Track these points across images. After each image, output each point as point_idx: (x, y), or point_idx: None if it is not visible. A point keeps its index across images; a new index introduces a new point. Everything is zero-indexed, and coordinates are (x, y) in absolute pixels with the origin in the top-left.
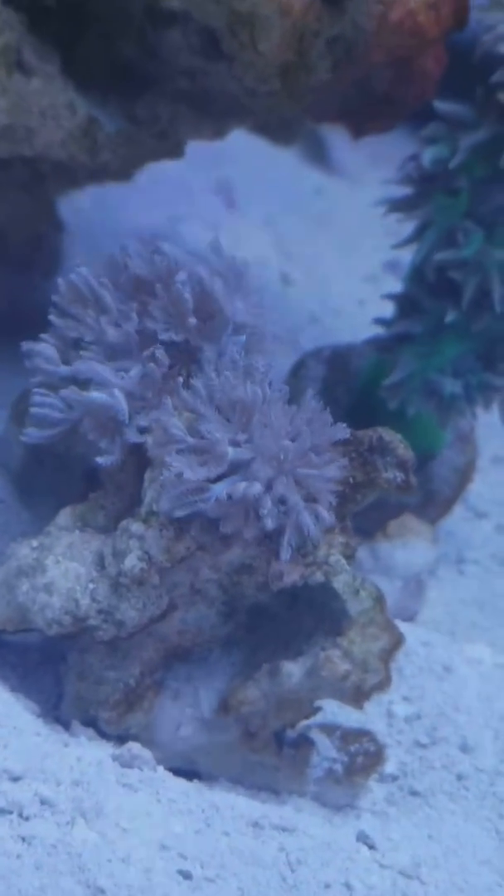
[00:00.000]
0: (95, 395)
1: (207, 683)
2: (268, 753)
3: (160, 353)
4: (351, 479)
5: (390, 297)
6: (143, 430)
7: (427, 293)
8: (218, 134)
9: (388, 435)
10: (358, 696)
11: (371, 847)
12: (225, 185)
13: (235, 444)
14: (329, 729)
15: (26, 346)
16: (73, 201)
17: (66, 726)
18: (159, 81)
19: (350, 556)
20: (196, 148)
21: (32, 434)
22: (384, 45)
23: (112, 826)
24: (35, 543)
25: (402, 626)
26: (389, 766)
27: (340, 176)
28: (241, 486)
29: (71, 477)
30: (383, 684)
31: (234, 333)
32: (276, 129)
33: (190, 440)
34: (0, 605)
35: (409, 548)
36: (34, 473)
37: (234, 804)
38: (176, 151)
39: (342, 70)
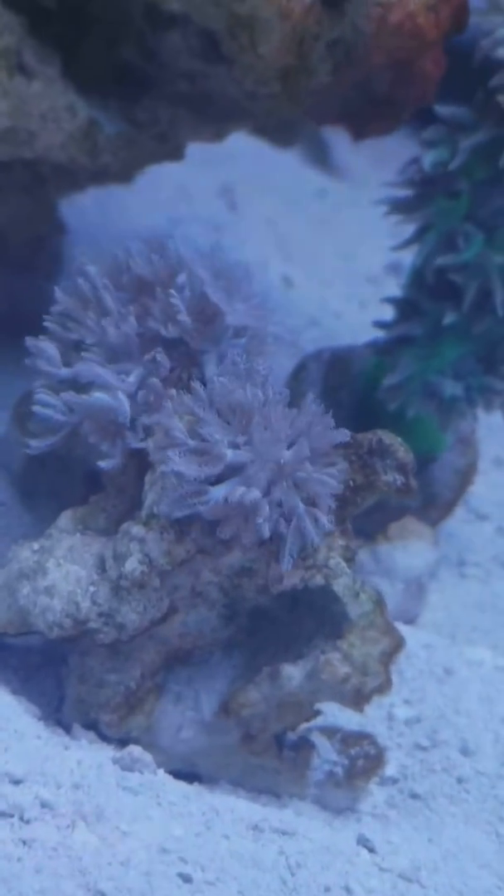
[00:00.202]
0: (97, 396)
1: (208, 686)
2: (268, 756)
3: (161, 356)
4: (351, 482)
5: (390, 300)
6: (144, 432)
7: (427, 295)
8: (218, 136)
9: (388, 438)
10: (358, 699)
11: (371, 850)
12: (226, 187)
13: (235, 446)
14: (330, 732)
15: (30, 341)
16: (74, 203)
17: (67, 729)
18: (159, 84)
19: (350, 559)
20: (197, 150)
21: (36, 445)
22: (384, 48)
23: (112, 829)
24: (36, 546)
25: (403, 629)
26: (390, 769)
27: (342, 178)
28: (239, 490)
29: (72, 479)
30: (383, 687)
31: (236, 336)
32: (277, 131)
33: (191, 442)
34: (1, 608)
35: (409, 550)
36: (35, 476)
37: (234, 807)
38: (176, 154)
39: (342, 72)
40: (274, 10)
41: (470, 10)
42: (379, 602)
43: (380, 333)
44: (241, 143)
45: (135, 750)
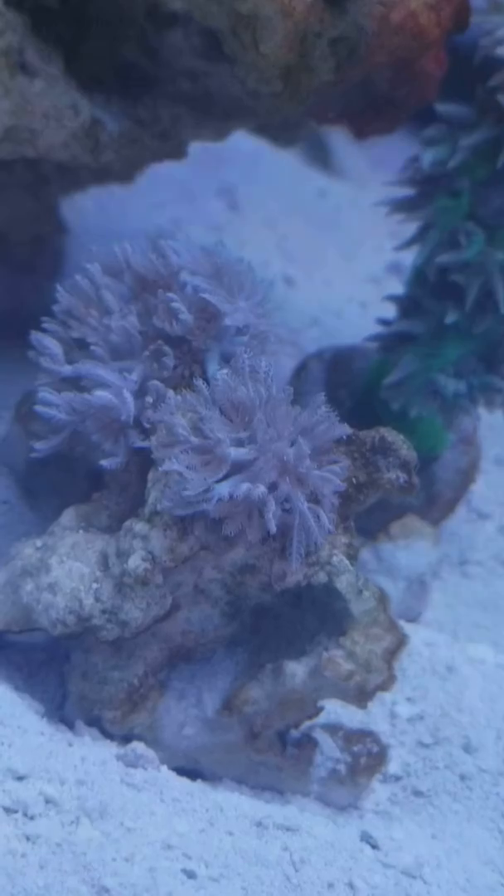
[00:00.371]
0: (98, 395)
1: (211, 683)
2: (271, 753)
3: (168, 358)
4: (354, 480)
5: (392, 297)
6: (146, 430)
7: (429, 294)
8: (220, 135)
9: (391, 435)
10: (361, 696)
11: (374, 847)
12: (227, 188)
13: (238, 444)
14: (332, 729)
15: (34, 336)
16: (75, 203)
17: (71, 726)
18: (161, 82)
19: (353, 557)
20: (199, 150)
21: (41, 448)
22: (385, 47)
23: (116, 825)
24: (39, 543)
25: (406, 627)
26: (393, 767)
27: (343, 178)
28: (244, 486)
29: (75, 477)
30: (386, 684)
31: (238, 334)
32: (279, 131)
33: (194, 440)
34: (5, 605)
35: (411, 549)
36: (38, 474)
37: (237, 804)
38: (178, 152)
39: (344, 71)
40: (276, 7)
41: (471, 9)
42: (382, 599)
43: (382, 331)
44: (242, 144)
45: (138, 746)
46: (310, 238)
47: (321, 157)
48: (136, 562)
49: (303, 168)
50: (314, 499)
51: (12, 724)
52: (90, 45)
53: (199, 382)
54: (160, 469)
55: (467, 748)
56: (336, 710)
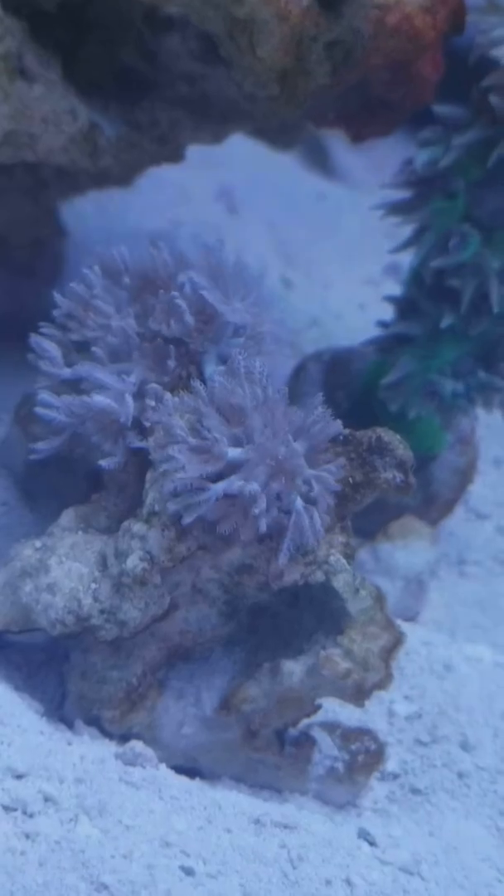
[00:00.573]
0: (97, 399)
1: (209, 682)
2: (269, 752)
3: (169, 360)
4: (350, 480)
5: (390, 298)
6: (144, 432)
7: (426, 296)
8: (217, 138)
9: (388, 435)
10: (359, 695)
11: (372, 844)
12: (226, 190)
13: (235, 444)
14: (330, 727)
15: (34, 339)
16: (75, 207)
17: (70, 725)
18: (159, 86)
19: (350, 556)
20: (197, 153)
21: (42, 448)
22: (381, 50)
23: (115, 823)
24: (38, 544)
25: (404, 626)
26: (391, 765)
27: (341, 180)
28: (238, 483)
29: (74, 478)
30: (384, 682)
31: (235, 335)
32: (276, 134)
33: (191, 440)
34: (4, 605)
35: (409, 549)
36: (37, 475)
37: (236, 802)
38: (176, 156)
39: (340, 74)
40: (272, 12)
41: (468, 9)
42: (379, 598)
43: (380, 332)
44: (241, 147)
45: (137, 745)
46: (308, 240)
47: (320, 159)
48: (134, 562)
49: (302, 171)
50: (310, 498)
51: (12, 723)
52: (88, 50)
53: (197, 384)
54: (158, 469)
55: (465, 746)
56: (334, 708)
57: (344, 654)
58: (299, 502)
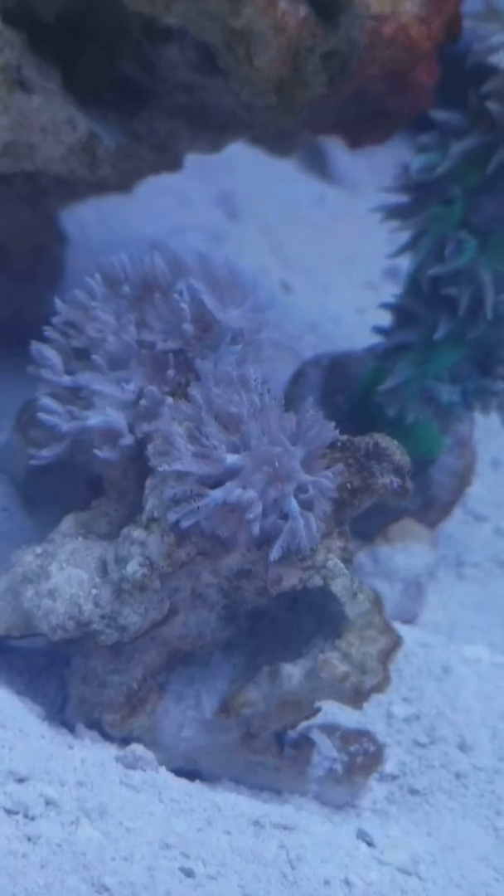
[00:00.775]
0: (92, 420)
1: (209, 686)
2: (269, 754)
3: (170, 370)
4: (348, 485)
5: (387, 305)
6: (143, 439)
7: (423, 302)
8: (215, 147)
9: (385, 441)
10: (357, 697)
11: (370, 844)
12: (226, 196)
13: (233, 451)
14: (329, 729)
15: (34, 346)
16: (75, 213)
17: (71, 729)
18: (157, 96)
19: (348, 560)
20: (197, 159)
21: (45, 454)
22: (377, 60)
23: (116, 825)
24: (39, 550)
25: (403, 629)
26: (389, 766)
27: (340, 185)
28: (236, 492)
29: (74, 484)
30: (382, 685)
31: (232, 342)
32: (275, 141)
33: (190, 447)
34: (5, 611)
35: (408, 551)
36: (38, 482)
37: (235, 803)
38: (174, 165)
39: (337, 84)
40: (269, 23)
41: (464, 15)
42: (376, 602)
43: (378, 339)
44: (240, 152)
45: (137, 748)
46: (308, 245)
47: (319, 164)
48: (134, 568)
49: (301, 175)
50: (307, 504)
51: (14, 727)
52: (87, 60)
53: (195, 392)
54: (158, 476)
55: (462, 747)
56: (333, 710)
57: (342, 658)
58: (295, 507)
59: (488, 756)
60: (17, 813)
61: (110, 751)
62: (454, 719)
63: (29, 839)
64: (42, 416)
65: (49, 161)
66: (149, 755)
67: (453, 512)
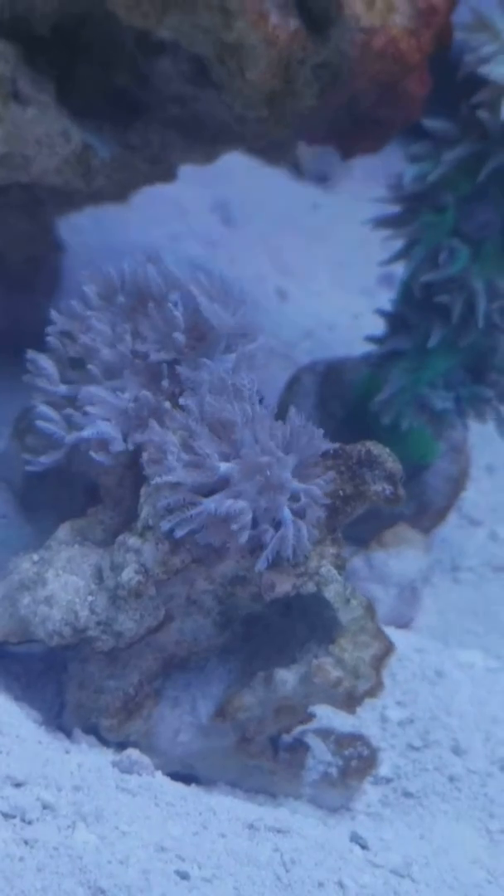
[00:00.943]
0: (87, 432)
1: (205, 691)
2: (264, 758)
3: (164, 381)
4: (341, 492)
5: (382, 312)
6: (137, 447)
7: (416, 309)
8: (209, 158)
9: (377, 448)
10: (350, 702)
11: (364, 847)
12: (221, 203)
13: (226, 459)
14: (324, 733)
15: (31, 355)
16: (72, 221)
17: (68, 734)
18: (151, 108)
19: (341, 567)
20: (192, 167)
21: (45, 461)
22: (368, 72)
23: (112, 829)
24: (36, 557)
25: (397, 633)
26: (383, 769)
27: (336, 191)
28: (227, 503)
29: (71, 492)
30: (375, 690)
31: (227, 351)
32: (268, 150)
33: (184, 456)
34: (3, 617)
35: (403, 556)
36: (36, 489)
37: (230, 807)
38: (168, 175)
39: (328, 95)
40: (260, 36)
41: (455, 27)
42: (369, 608)
43: (372, 348)
44: (235, 160)
45: (133, 753)
46: (303, 251)
47: (314, 170)
48: (129, 575)
49: (296, 182)
50: (299, 511)
51: (11, 733)
52: (82, 73)
53: (189, 401)
54: (152, 484)
55: (456, 750)
56: (328, 714)
57: (335, 663)
58: (287, 515)
59: (481, 759)
60: (14, 817)
61: (107, 755)
62: (448, 723)
63: (26, 843)
64: (40, 423)
65: (44, 172)
66: (144, 760)
67: (448, 517)
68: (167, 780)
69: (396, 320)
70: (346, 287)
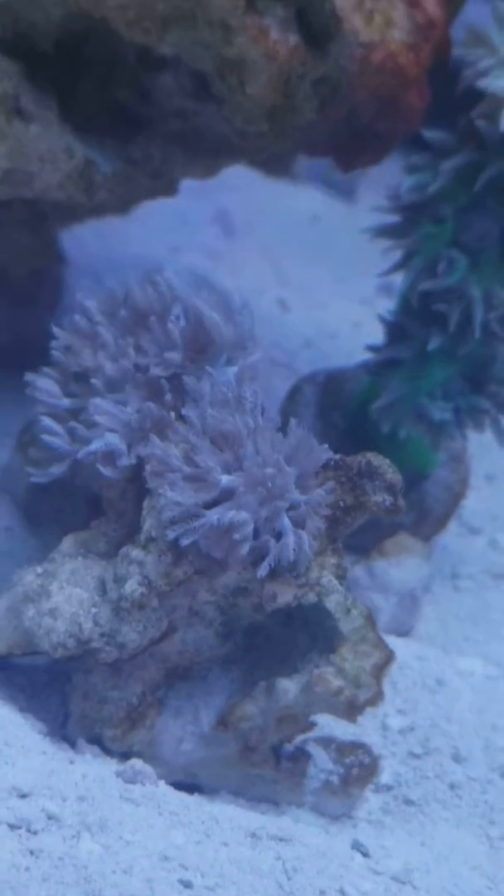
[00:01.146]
0: (95, 445)
1: (207, 701)
2: (266, 767)
3: (167, 396)
4: (341, 503)
5: (381, 320)
6: (140, 459)
7: (414, 319)
8: (210, 172)
9: (377, 460)
10: (351, 711)
11: (365, 854)
12: (222, 214)
13: (227, 471)
14: (325, 742)
15: (30, 377)
16: (74, 233)
17: (72, 744)
18: (153, 122)
19: (342, 577)
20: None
21: (43, 475)
22: (367, 86)
23: (116, 839)
24: (40, 570)
25: (398, 641)
26: (384, 777)
27: (336, 201)
28: (230, 514)
29: (75, 504)
30: (375, 699)
31: (228, 363)
32: (268, 162)
33: (186, 469)
34: (7, 629)
35: (403, 565)
36: (39, 501)
37: (232, 816)
38: (170, 189)
39: (328, 109)
40: (260, 52)
41: (453, 43)
42: (369, 617)
43: (372, 356)
44: (236, 171)
45: (137, 763)
46: (303, 261)
47: (315, 180)
48: (132, 587)
49: (297, 192)
50: (300, 522)
51: (16, 744)
52: (84, 88)
53: (190, 412)
54: (155, 497)
55: (456, 758)
56: (329, 723)
57: (336, 673)
58: (288, 525)
59: (481, 767)
60: (19, 828)
61: (111, 766)
62: (448, 731)
63: (31, 853)
64: (45, 437)
65: (47, 188)
66: (148, 769)
67: (448, 525)
68: (170, 790)
69: (395, 330)
70: (346, 296)
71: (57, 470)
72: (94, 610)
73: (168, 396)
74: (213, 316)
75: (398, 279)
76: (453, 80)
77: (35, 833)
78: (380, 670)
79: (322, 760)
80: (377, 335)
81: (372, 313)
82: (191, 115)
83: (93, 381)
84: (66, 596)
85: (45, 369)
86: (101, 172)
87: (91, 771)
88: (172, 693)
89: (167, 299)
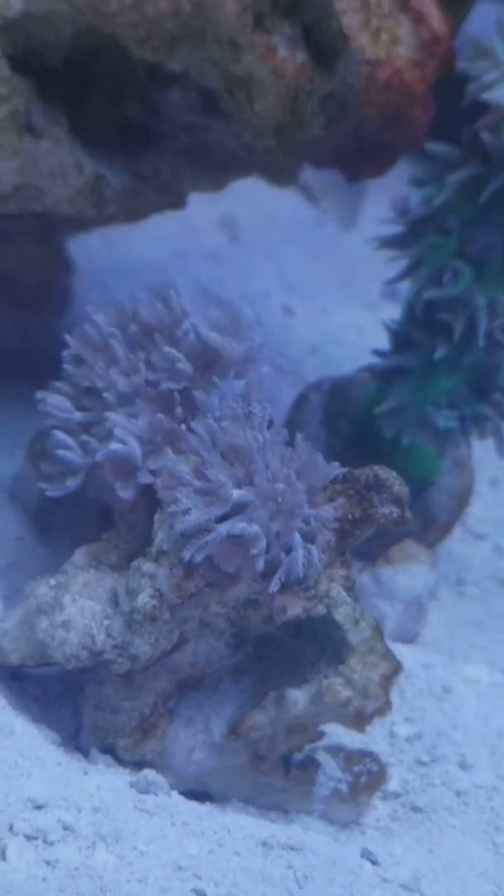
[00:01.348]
0: (114, 446)
1: (218, 711)
2: (276, 775)
3: (178, 409)
4: (350, 516)
5: (386, 328)
6: (153, 473)
7: (420, 329)
8: (218, 186)
9: (384, 472)
10: (359, 721)
11: (374, 863)
12: (228, 219)
13: (238, 486)
14: (334, 751)
15: (40, 395)
16: (81, 241)
17: (86, 754)
18: (162, 138)
19: (350, 588)
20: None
21: (56, 489)
22: (373, 103)
23: (130, 849)
24: (52, 582)
25: (404, 649)
26: (392, 784)
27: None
28: (240, 526)
29: (86, 514)
30: (383, 709)
31: (237, 377)
32: (276, 175)
33: (197, 483)
34: (21, 641)
35: (409, 572)
36: (51, 512)
37: (244, 825)
38: (178, 203)
39: (334, 125)
40: (268, 69)
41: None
42: (377, 629)
43: (377, 362)
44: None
45: (150, 773)
46: (308, 267)
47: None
48: (144, 599)
49: (302, 198)
50: (309, 536)
51: (32, 755)
52: (94, 104)
53: (199, 426)
54: (166, 510)
55: (463, 765)
56: (338, 732)
57: (345, 683)
58: (298, 540)
59: (488, 774)
60: (36, 839)
61: (123, 775)
62: (455, 738)
63: (48, 864)
64: (59, 452)
65: (57, 203)
66: (161, 780)
67: (453, 531)
68: (183, 800)
69: (400, 338)
70: (351, 302)
71: (72, 483)
72: (106, 622)
73: (178, 409)
74: (219, 335)
75: (403, 285)
76: (458, 92)
77: (51, 844)
78: (388, 681)
79: (331, 769)
80: (382, 340)
81: (376, 318)
82: (199, 131)
83: (105, 395)
84: (79, 608)
85: (57, 384)
86: (111, 187)
87: (105, 782)
88: (184, 703)
89: (177, 314)
